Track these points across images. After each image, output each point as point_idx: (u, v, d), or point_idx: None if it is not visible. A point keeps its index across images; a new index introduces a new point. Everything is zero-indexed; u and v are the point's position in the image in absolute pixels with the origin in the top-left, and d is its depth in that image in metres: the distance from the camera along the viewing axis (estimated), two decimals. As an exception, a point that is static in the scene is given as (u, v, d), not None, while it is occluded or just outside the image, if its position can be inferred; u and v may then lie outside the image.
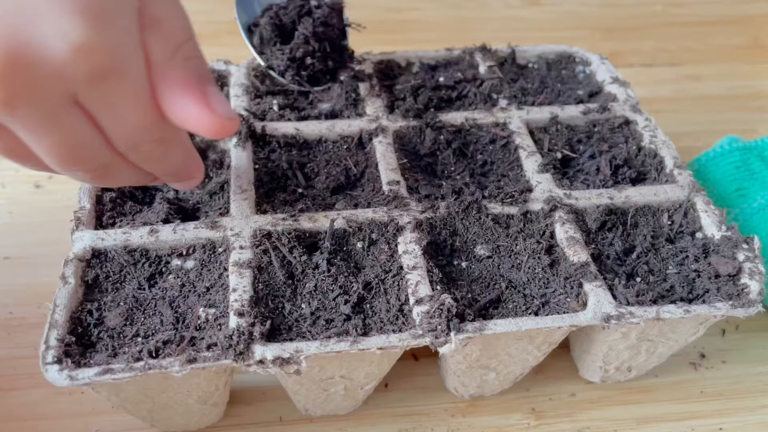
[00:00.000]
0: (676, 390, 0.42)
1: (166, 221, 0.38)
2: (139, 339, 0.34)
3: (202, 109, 0.29)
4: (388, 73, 0.51)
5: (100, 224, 0.39)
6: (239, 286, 0.35)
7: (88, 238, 0.37)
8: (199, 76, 0.29)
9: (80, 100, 0.28)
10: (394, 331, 0.34)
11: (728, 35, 0.74)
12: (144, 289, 0.36)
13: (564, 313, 0.35)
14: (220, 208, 0.39)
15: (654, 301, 0.36)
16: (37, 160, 0.30)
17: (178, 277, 0.36)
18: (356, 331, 0.34)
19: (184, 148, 0.33)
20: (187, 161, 0.34)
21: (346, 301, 0.35)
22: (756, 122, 0.62)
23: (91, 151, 0.29)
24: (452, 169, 0.43)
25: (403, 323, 0.34)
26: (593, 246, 0.39)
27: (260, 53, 0.46)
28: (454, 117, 0.46)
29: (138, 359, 0.32)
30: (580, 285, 0.36)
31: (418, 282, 0.35)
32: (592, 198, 0.41)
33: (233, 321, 0.33)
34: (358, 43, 0.51)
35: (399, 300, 0.35)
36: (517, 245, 0.39)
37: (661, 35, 0.73)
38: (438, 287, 0.35)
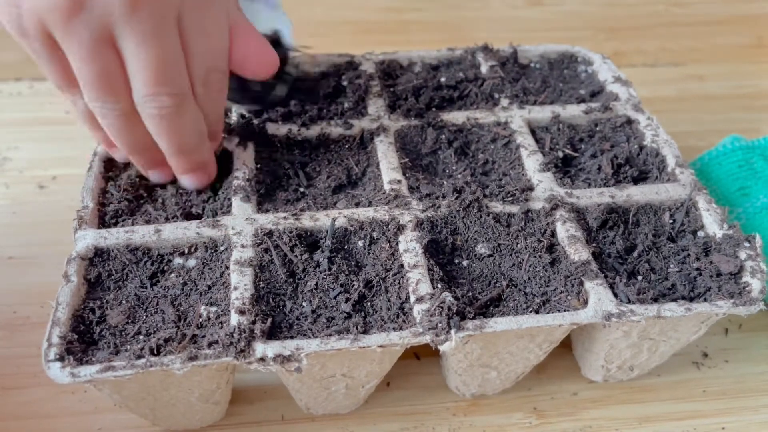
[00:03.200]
0: (678, 389, 0.42)
1: (167, 220, 0.38)
2: (141, 337, 0.34)
3: (270, 49, 0.38)
4: (390, 73, 0.51)
5: (102, 223, 0.39)
6: (240, 284, 0.35)
7: (90, 237, 0.37)
8: None
9: (180, 20, 0.34)
10: (394, 329, 0.34)
11: (732, 35, 0.74)
12: (146, 288, 0.36)
13: (565, 311, 0.35)
14: (221, 207, 0.40)
15: (655, 300, 0.36)
16: (125, 88, 0.34)
17: (179, 276, 0.37)
18: (357, 329, 0.34)
19: (222, 111, 0.40)
20: (220, 127, 0.41)
21: (347, 300, 0.35)
22: (759, 121, 0.62)
23: (179, 72, 0.35)
24: (453, 168, 0.43)
25: (404, 321, 0.34)
26: (594, 244, 0.39)
27: None
28: (456, 116, 0.46)
29: (139, 357, 0.32)
30: (581, 283, 0.36)
31: (418, 280, 0.35)
32: (593, 197, 0.41)
33: (234, 319, 0.33)
34: (361, 43, 0.52)
35: (400, 298, 0.36)
36: (518, 244, 0.39)
37: (664, 35, 0.73)
38: (439, 285, 0.35)
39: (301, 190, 0.42)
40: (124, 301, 0.35)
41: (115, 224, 0.39)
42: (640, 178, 0.43)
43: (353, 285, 0.36)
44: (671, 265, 0.39)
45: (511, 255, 0.38)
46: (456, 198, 0.40)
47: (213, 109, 0.39)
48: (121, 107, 0.35)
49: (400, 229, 0.38)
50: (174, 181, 0.41)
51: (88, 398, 0.40)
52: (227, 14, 0.37)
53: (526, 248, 0.38)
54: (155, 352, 0.32)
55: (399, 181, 0.41)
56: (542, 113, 0.47)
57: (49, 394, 0.40)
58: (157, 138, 0.37)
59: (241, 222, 0.38)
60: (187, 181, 0.40)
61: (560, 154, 0.44)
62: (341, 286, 0.36)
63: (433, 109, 0.47)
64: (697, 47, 0.72)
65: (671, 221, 0.41)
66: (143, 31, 0.33)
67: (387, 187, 0.41)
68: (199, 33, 0.35)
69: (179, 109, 0.36)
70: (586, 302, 0.35)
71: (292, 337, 0.34)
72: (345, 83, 0.49)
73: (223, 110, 0.40)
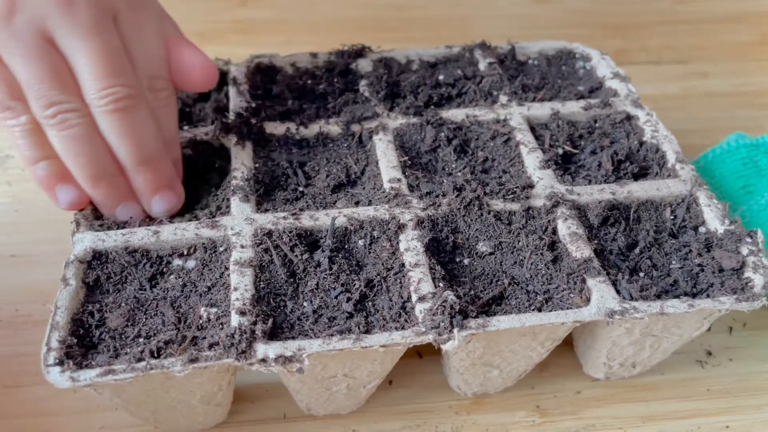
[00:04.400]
0: (682, 387, 0.41)
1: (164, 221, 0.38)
2: (141, 339, 0.34)
3: (205, 57, 0.39)
4: (388, 70, 0.51)
5: (100, 225, 0.39)
6: (241, 284, 0.35)
7: (88, 240, 0.37)
8: None
9: (116, 21, 0.35)
10: (396, 329, 0.34)
11: (735, 32, 0.73)
12: (145, 290, 0.36)
13: (567, 308, 0.35)
14: (220, 207, 0.40)
15: (658, 296, 0.36)
16: (76, 89, 0.34)
17: (179, 277, 0.37)
18: (359, 328, 0.34)
19: (176, 124, 0.40)
20: (177, 150, 0.40)
21: (348, 299, 0.35)
22: (763, 119, 0.62)
23: (125, 66, 0.35)
24: (453, 166, 0.43)
25: (406, 320, 0.34)
26: (596, 241, 0.39)
27: None
28: (455, 114, 0.46)
29: (140, 359, 0.32)
30: (583, 281, 0.36)
31: (420, 279, 0.35)
32: (594, 193, 0.41)
33: (235, 320, 0.33)
34: (363, 40, 0.52)
35: (401, 297, 0.35)
36: (519, 241, 0.38)
37: (668, 32, 0.73)
38: (440, 284, 0.35)
39: (300, 189, 0.42)
40: (123, 304, 0.35)
41: (113, 226, 0.39)
42: (641, 174, 0.43)
43: (354, 284, 0.36)
44: (673, 262, 0.39)
45: (512, 253, 0.38)
46: (456, 196, 0.40)
47: (165, 121, 0.38)
48: (79, 109, 0.34)
49: (401, 227, 0.38)
50: (144, 219, 0.39)
51: (90, 396, 0.40)
52: (161, 24, 0.37)
53: (527, 246, 0.38)
54: (155, 355, 0.32)
55: (399, 180, 0.41)
56: (541, 110, 0.47)
57: (50, 392, 0.39)
58: (119, 144, 0.36)
59: (241, 222, 0.38)
60: (158, 204, 0.38)
61: (560, 151, 0.44)
62: (342, 285, 0.36)
63: (432, 107, 0.47)
64: (701, 45, 0.71)
65: (672, 217, 0.41)
66: (82, 24, 0.33)
67: (387, 185, 0.40)
68: (137, 36, 0.36)
69: (136, 103, 0.35)
70: (588, 300, 0.35)
71: (293, 338, 0.33)
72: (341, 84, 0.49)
73: (177, 127, 0.40)
